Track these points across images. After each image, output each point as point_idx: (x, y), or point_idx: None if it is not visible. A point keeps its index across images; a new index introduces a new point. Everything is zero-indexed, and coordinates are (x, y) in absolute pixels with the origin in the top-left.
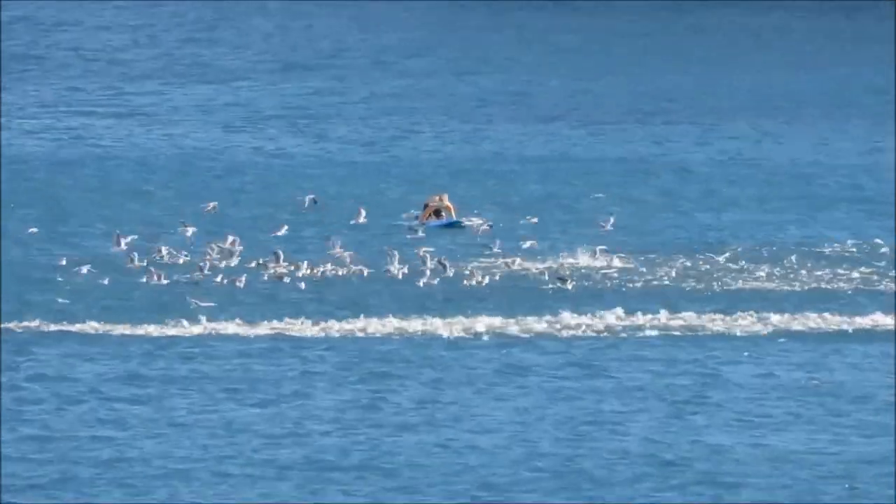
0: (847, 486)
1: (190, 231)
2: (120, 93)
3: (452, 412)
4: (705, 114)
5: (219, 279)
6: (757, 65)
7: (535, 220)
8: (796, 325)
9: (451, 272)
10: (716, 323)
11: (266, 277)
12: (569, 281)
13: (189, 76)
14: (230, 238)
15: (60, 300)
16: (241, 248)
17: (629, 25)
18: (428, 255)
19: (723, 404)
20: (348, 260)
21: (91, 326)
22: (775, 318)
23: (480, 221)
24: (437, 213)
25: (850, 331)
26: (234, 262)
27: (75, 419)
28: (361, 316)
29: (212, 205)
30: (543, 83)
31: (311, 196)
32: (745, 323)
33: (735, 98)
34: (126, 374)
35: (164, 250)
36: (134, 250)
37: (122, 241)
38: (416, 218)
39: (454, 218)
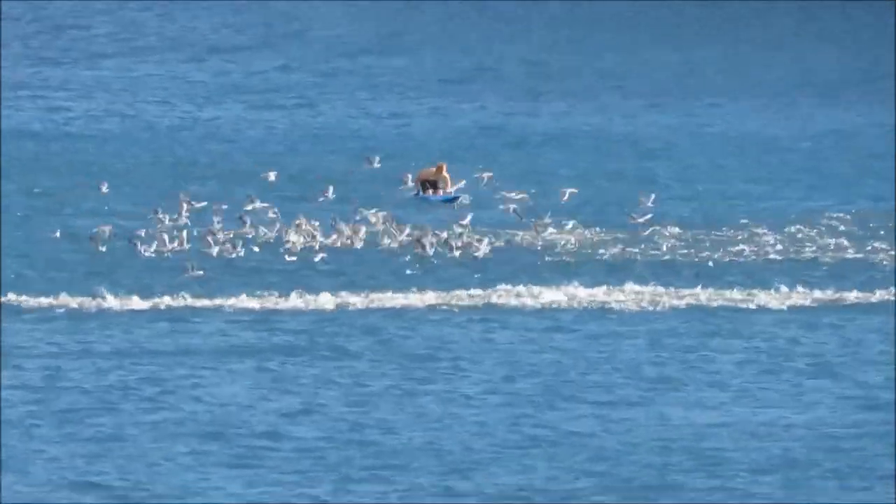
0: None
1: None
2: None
3: None
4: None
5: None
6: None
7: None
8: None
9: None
10: (710, 296)
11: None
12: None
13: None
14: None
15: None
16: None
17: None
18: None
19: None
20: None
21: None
22: (772, 292)
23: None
24: (434, 185)
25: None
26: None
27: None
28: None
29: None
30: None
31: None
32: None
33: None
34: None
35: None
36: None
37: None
38: (416, 193)
39: (452, 192)
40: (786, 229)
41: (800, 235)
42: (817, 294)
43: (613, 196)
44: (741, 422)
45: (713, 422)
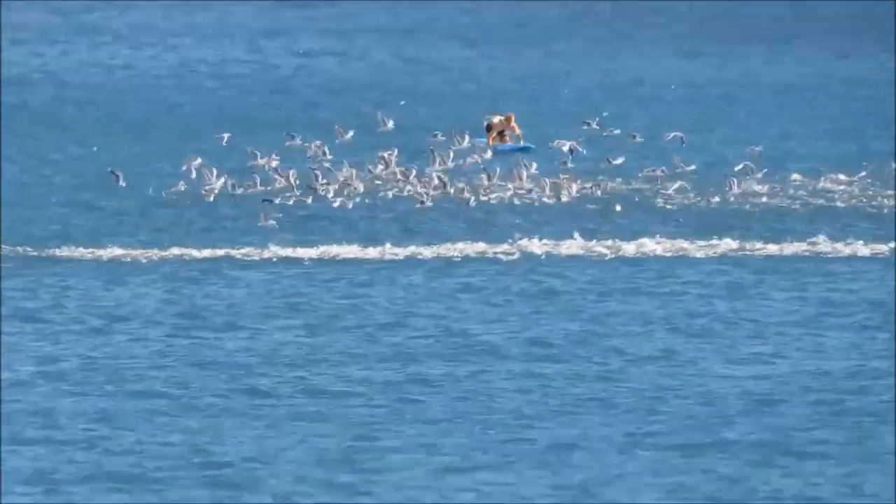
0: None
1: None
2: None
3: None
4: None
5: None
6: None
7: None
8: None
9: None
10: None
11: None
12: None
13: None
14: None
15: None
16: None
17: None
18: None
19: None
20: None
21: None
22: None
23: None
24: (501, 134)
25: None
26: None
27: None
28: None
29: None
30: None
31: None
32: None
33: None
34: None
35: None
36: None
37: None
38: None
39: (522, 142)
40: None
41: None
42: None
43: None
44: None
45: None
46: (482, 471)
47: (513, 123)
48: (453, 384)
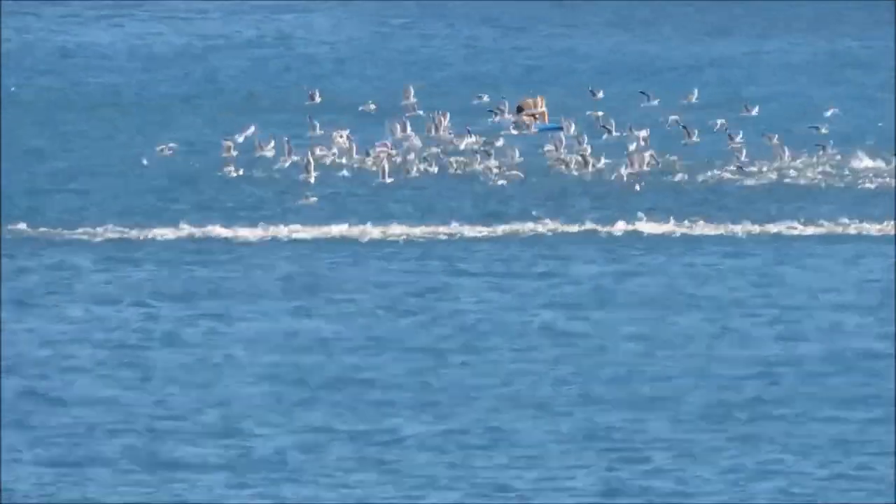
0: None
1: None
2: None
3: None
4: None
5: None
6: None
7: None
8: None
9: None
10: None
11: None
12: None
13: None
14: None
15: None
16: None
17: None
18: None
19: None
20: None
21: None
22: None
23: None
24: (533, 116)
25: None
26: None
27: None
28: None
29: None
30: None
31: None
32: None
33: None
34: None
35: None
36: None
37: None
38: (514, 122)
39: (550, 123)
40: None
41: None
42: None
43: None
44: None
45: None
46: None
47: (542, 108)
48: None
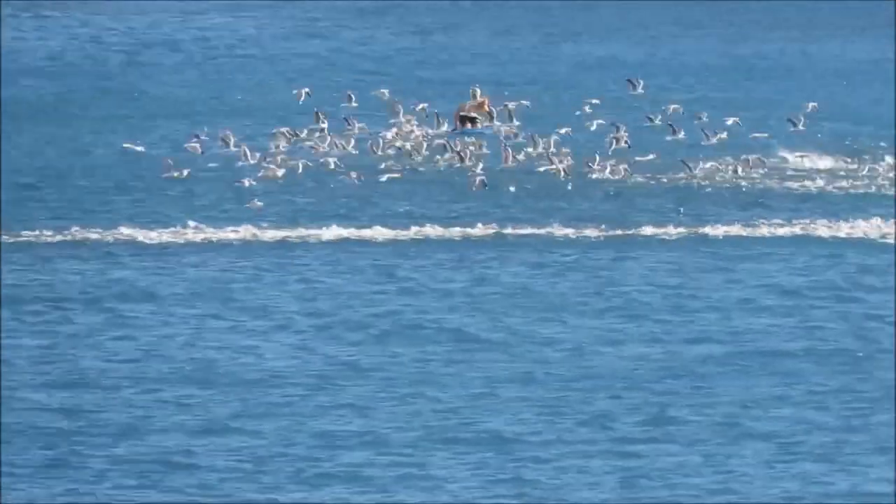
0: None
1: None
2: None
3: None
4: None
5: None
6: None
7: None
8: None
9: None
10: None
11: None
12: None
13: None
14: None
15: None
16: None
17: None
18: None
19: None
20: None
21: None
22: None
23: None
24: (472, 120)
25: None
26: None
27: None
28: None
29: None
30: None
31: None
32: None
33: None
34: None
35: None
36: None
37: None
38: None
39: (490, 125)
40: None
41: None
42: None
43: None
44: None
45: None
46: None
47: (486, 108)
48: None
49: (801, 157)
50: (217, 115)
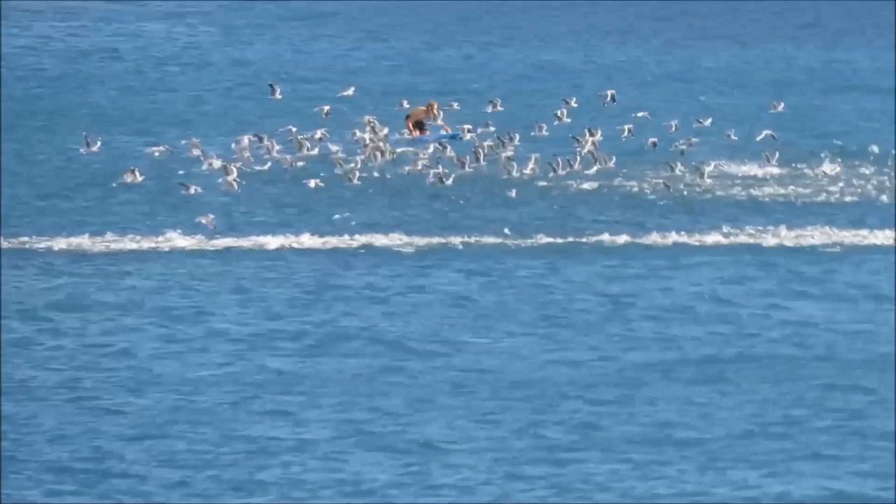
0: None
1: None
2: None
3: None
4: None
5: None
6: None
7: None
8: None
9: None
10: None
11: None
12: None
13: None
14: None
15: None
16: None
17: None
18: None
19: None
20: None
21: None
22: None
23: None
24: (421, 125)
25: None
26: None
27: None
28: None
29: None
30: None
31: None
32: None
33: None
34: None
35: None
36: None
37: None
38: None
39: (450, 130)
40: None
41: None
42: None
43: None
44: None
45: None
46: None
47: (435, 111)
48: None
49: (742, 164)
50: (160, 123)
